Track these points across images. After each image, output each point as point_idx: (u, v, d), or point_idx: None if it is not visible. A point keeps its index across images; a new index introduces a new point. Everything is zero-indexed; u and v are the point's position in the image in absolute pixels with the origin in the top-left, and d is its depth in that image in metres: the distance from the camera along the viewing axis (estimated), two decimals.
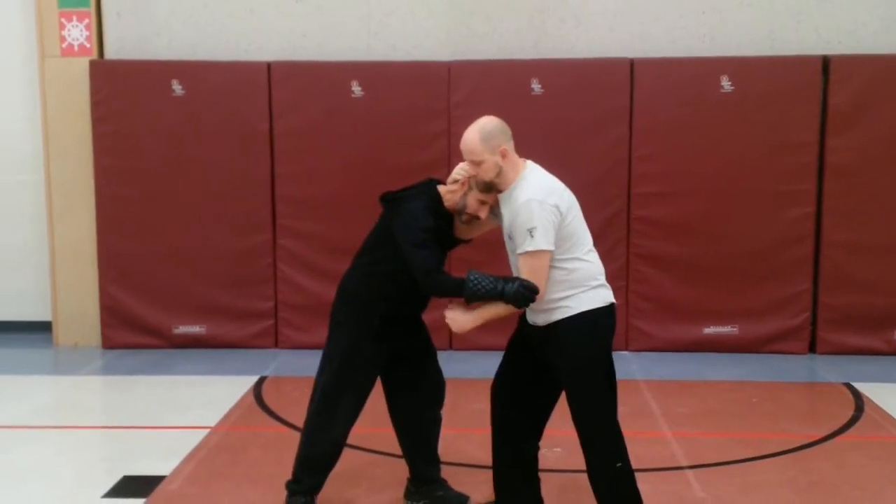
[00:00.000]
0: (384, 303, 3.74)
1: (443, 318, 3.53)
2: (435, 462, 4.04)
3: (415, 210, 3.62)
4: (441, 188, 3.73)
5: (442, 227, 3.68)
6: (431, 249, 3.56)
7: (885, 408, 5.43)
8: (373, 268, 3.77)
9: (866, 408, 5.46)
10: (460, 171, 3.64)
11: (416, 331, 3.81)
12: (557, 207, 3.37)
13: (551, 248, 3.36)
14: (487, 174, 3.47)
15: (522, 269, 3.39)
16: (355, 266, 3.85)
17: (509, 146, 3.48)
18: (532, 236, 3.33)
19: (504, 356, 3.76)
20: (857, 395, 5.71)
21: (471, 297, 3.43)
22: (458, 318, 3.51)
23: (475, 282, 3.41)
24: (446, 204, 3.69)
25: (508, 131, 3.51)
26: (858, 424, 5.20)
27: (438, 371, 3.99)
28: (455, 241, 3.86)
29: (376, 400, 3.93)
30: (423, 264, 3.53)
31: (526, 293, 3.35)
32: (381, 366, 3.87)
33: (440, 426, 4.01)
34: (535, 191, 3.38)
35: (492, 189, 3.52)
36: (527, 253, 3.36)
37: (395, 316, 3.77)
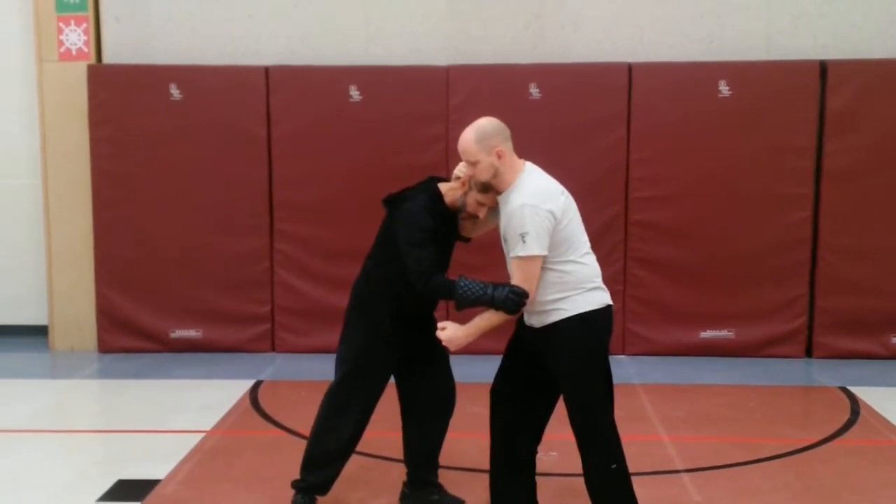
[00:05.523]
0: (391, 303, 3.74)
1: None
2: (434, 467, 4.05)
3: (413, 210, 3.62)
4: (443, 186, 3.74)
5: (442, 225, 3.66)
6: (427, 250, 3.55)
7: (880, 412, 5.43)
8: (378, 269, 3.79)
9: (862, 412, 5.46)
10: (462, 168, 3.64)
11: (428, 334, 3.69)
12: (552, 213, 3.35)
13: (544, 253, 3.36)
14: (483, 175, 3.46)
15: (515, 274, 3.40)
16: (363, 269, 3.87)
17: (506, 147, 3.46)
18: (524, 241, 3.32)
19: (503, 359, 3.75)
20: (853, 399, 5.71)
21: (461, 302, 3.43)
22: (452, 335, 3.49)
23: (465, 287, 3.41)
24: (447, 202, 3.69)
25: (506, 132, 3.49)
26: (854, 428, 5.20)
27: (450, 377, 3.97)
28: (461, 238, 3.86)
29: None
30: (416, 265, 3.53)
31: (515, 298, 3.35)
32: (392, 369, 3.87)
33: (446, 433, 4.00)
34: (530, 195, 3.37)
35: (489, 190, 3.52)
36: (519, 258, 3.37)
37: (403, 316, 3.76)
